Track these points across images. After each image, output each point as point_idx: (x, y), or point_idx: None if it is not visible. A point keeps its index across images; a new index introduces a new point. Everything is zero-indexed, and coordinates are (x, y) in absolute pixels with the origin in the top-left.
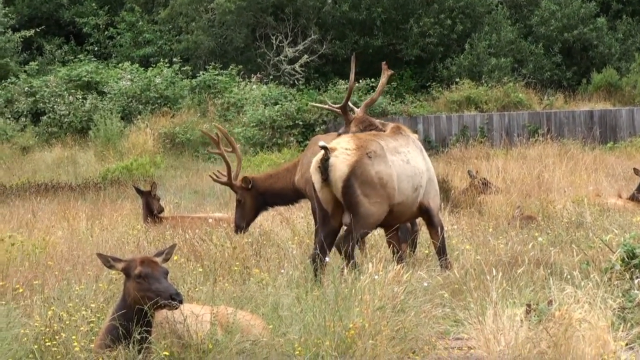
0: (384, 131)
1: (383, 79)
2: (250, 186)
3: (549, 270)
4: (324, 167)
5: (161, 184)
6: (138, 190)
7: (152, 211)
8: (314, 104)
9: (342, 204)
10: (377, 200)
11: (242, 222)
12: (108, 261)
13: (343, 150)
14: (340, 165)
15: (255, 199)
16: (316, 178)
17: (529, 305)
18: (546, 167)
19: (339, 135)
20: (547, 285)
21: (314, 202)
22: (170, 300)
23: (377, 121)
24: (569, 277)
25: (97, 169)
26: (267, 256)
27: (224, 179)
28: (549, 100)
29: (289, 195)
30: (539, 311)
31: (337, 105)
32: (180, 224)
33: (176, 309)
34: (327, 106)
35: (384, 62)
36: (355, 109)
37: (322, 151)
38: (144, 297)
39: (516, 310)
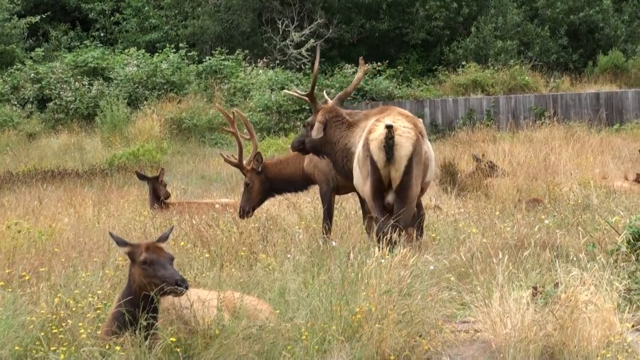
0: (351, 122)
1: (359, 73)
2: (260, 169)
3: (555, 253)
4: (389, 145)
5: (168, 170)
6: (143, 177)
7: (158, 197)
8: (286, 91)
9: (386, 185)
10: (419, 180)
11: (248, 206)
12: (116, 242)
13: (405, 129)
14: (406, 143)
15: (263, 183)
16: (380, 157)
17: (535, 288)
18: (552, 149)
19: (307, 124)
20: (553, 267)
21: (326, 186)
22: (175, 287)
23: (344, 112)
24: (575, 259)
25: (104, 155)
26: (273, 241)
27: (235, 161)
28: (555, 83)
29: (297, 182)
30: (545, 294)
31: (304, 93)
32: (187, 210)
33: (182, 295)
34: (295, 93)
35: (361, 57)
36: (329, 99)
37: (385, 130)
38: (149, 283)
39: (522, 293)
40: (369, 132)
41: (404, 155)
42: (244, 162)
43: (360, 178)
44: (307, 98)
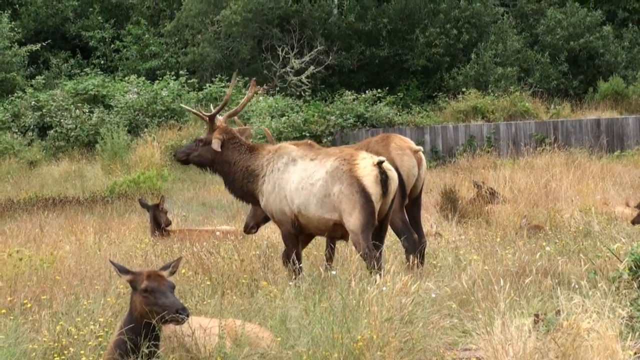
0: (251, 146)
1: (249, 93)
2: None
3: (556, 280)
4: (383, 180)
5: (168, 197)
6: (144, 205)
7: (159, 224)
8: (183, 105)
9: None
10: None
11: (253, 222)
12: (117, 270)
13: (388, 164)
14: (395, 177)
15: None
16: (377, 191)
17: (537, 315)
18: (553, 176)
19: (197, 140)
20: (555, 295)
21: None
22: (176, 315)
23: (236, 130)
24: (576, 286)
25: (105, 182)
26: (274, 268)
27: None
28: (556, 109)
29: None
30: (547, 321)
31: (207, 114)
32: (188, 237)
33: (182, 323)
34: (196, 112)
35: (253, 79)
36: (220, 118)
37: (377, 166)
38: (150, 311)
39: (524, 320)
40: (350, 169)
41: (394, 188)
42: None
43: (333, 211)
44: (207, 118)
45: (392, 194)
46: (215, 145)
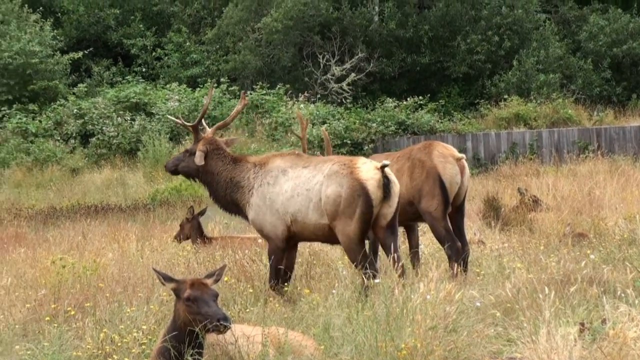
0: (235, 157)
1: (239, 106)
2: None
3: (602, 289)
4: (386, 184)
5: (210, 205)
6: (194, 213)
7: (202, 233)
8: (169, 116)
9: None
10: None
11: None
12: (160, 279)
13: (388, 168)
14: (396, 181)
15: None
16: (378, 195)
17: (582, 324)
18: (597, 183)
19: (186, 151)
20: (600, 303)
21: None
22: (218, 324)
23: (222, 141)
24: (622, 295)
25: (146, 190)
26: (317, 276)
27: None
28: (599, 116)
29: None
30: (592, 330)
31: (189, 123)
32: (229, 245)
33: (224, 332)
34: (180, 122)
35: (243, 91)
36: (207, 128)
37: (380, 170)
38: (193, 319)
39: (569, 329)
40: (351, 172)
41: (397, 191)
42: None
43: (330, 218)
44: (191, 128)
45: (395, 198)
46: (198, 158)
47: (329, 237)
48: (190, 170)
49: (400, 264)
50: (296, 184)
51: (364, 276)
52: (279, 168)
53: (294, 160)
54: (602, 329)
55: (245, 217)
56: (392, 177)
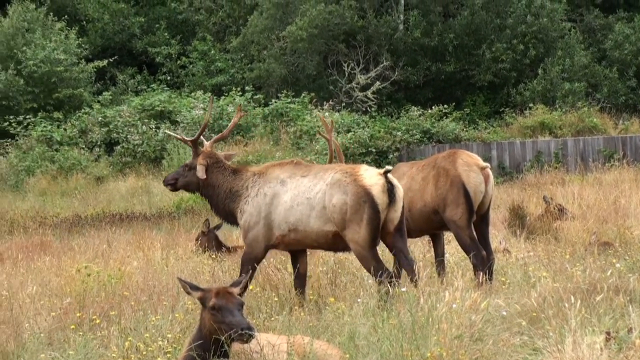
0: (234, 168)
1: (235, 118)
2: None
3: (628, 298)
4: (390, 189)
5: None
6: (208, 226)
7: (220, 244)
8: (167, 131)
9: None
10: None
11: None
12: (186, 287)
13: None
14: (400, 186)
15: None
16: (384, 200)
17: (608, 333)
18: (622, 192)
19: (185, 165)
20: (626, 312)
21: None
22: (242, 333)
23: (221, 154)
24: None
25: (171, 198)
26: (342, 285)
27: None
28: (625, 125)
29: None
30: (619, 339)
31: (189, 138)
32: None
33: (248, 342)
34: (179, 137)
35: (239, 104)
36: (205, 142)
37: (383, 176)
38: (218, 328)
39: (595, 338)
40: (354, 180)
41: (401, 195)
42: None
43: (331, 222)
44: (190, 143)
45: (400, 202)
46: (200, 172)
47: (332, 244)
48: (190, 184)
49: (414, 266)
50: (295, 193)
51: (381, 282)
52: (278, 178)
53: (292, 170)
54: (628, 338)
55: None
56: (395, 181)
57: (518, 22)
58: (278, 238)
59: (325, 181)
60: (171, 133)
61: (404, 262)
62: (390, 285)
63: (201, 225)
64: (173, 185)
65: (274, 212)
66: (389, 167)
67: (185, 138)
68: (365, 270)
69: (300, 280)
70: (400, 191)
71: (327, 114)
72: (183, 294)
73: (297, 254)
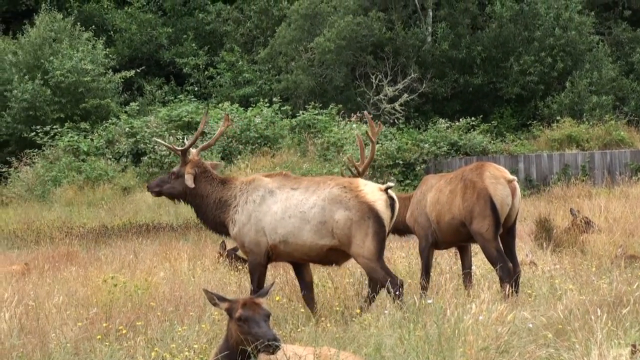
0: (222, 179)
1: (222, 127)
2: None
3: None
4: (392, 205)
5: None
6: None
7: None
8: (156, 139)
9: None
10: None
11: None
12: (213, 299)
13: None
14: (397, 201)
15: None
16: (388, 214)
17: (634, 346)
18: None
19: (172, 173)
20: None
21: (425, 242)
22: (268, 345)
23: (208, 164)
24: None
25: None
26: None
27: (354, 170)
28: None
29: (397, 224)
30: None
31: (179, 148)
32: (281, 264)
33: (274, 354)
34: (169, 145)
35: (226, 113)
36: (193, 151)
37: (385, 192)
38: (245, 339)
39: (621, 350)
40: (356, 196)
41: (397, 211)
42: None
43: (331, 237)
44: (179, 153)
45: (394, 217)
46: (189, 181)
47: (323, 258)
48: (175, 192)
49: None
50: (287, 206)
51: (393, 288)
52: (266, 188)
53: (281, 181)
54: None
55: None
56: (395, 196)
57: (546, 35)
58: (271, 246)
59: (320, 196)
60: (160, 141)
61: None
62: (402, 292)
63: (218, 247)
64: (157, 191)
65: (263, 220)
66: (390, 184)
67: (175, 147)
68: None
69: (308, 290)
70: (397, 206)
71: (354, 125)
72: (209, 305)
73: (300, 265)
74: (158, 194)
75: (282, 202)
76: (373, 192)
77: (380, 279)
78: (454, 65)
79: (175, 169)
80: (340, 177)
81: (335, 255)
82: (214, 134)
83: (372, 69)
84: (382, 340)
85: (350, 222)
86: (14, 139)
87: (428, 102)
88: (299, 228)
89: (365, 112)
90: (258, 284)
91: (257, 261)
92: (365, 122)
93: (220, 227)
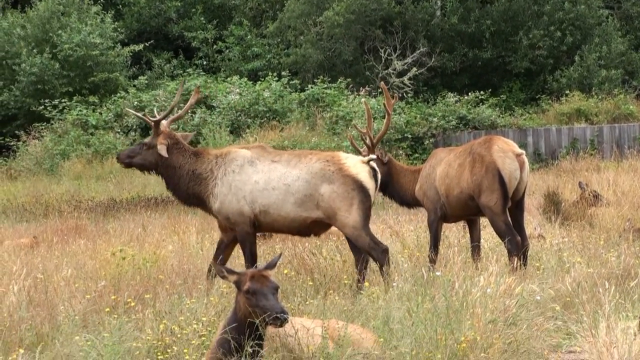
0: (195, 151)
1: (192, 100)
2: (386, 161)
3: None
4: (375, 176)
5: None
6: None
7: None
8: (128, 109)
9: None
10: None
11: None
12: (222, 272)
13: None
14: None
15: (383, 175)
16: (372, 185)
17: None
18: None
19: (142, 143)
20: None
21: (434, 215)
22: (276, 317)
23: (179, 135)
24: None
25: None
26: (376, 269)
27: (366, 137)
28: None
29: (406, 197)
30: None
31: (153, 119)
32: (290, 238)
33: (281, 326)
34: (142, 116)
35: (197, 86)
36: (164, 123)
37: (367, 164)
38: (253, 312)
39: (629, 323)
40: (339, 169)
41: (378, 182)
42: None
43: (316, 210)
44: (152, 123)
45: (377, 188)
46: (162, 151)
47: (304, 229)
48: (146, 163)
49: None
50: (270, 177)
51: (379, 254)
52: (245, 157)
53: (260, 153)
54: None
55: (206, 209)
56: (376, 167)
57: (555, 9)
58: (254, 216)
59: (304, 169)
60: (132, 112)
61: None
62: (388, 258)
63: None
64: (127, 162)
65: (243, 189)
66: (372, 156)
67: (149, 118)
68: (400, 255)
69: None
70: (379, 177)
71: (363, 99)
72: (217, 278)
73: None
74: (128, 165)
75: (265, 173)
76: (355, 164)
77: (366, 246)
78: (463, 39)
79: (146, 140)
80: (320, 152)
81: (316, 227)
82: (221, 107)
83: (381, 43)
84: (390, 313)
85: (334, 194)
86: (23, 113)
87: (437, 76)
88: (283, 200)
89: (382, 84)
90: (251, 255)
91: (245, 230)
92: (374, 97)
93: (192, 198)
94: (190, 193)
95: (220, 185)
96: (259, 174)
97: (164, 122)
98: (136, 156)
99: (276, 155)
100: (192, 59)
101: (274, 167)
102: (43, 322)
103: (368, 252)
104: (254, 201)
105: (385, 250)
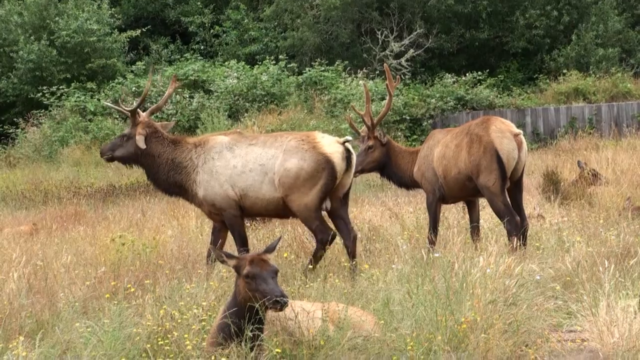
0: (174, 139)
1: (170, 89)
2: (385, 142)
3: None
4: (348, 157)
5: None
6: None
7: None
8: (105, 102)
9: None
10: None
11: (360, 167)
12: (221, 256)
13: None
14: (354, 154)
15: (382, 156)
16: (342, 166)
17: None
18: None
19: (123, 135)
20: None
21: (432, 196)
22: (275, 301)
23: (158, 124)
24: None
25: None
26: (376, 252)
27: (366, 118)
28: None
29: (405, 178)
30: None
31: (128, 108)
32: (289, 221)
33: (281, 310)
34: (118, 107)
35: (174, 75)
36: (142, 113)
37: (343, 145)
38: (252, 296)
39: (629, 301)
40: (313, 147)
41: (354, 163)
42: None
43: (292, 192)
44: (129, 113)
45: (353, 168)
46: (140, 141)
47: (280, 211)
48: (128, 154)
49: (353, 235)
50: (247, 160)
51: (322, 236)
52: (223, 144)
53: (237, 138)
54: None
55: (188, 198)
56: (351, 149)
57: None
58: (237, 200)
59: (278, 149)
60: (108, 104)
61: (343, 229)
62: (330, 244)
63: None
64: (110, 157)
65: (224, 173)
66: (348, 137)
67: (124, 108)
68: (399, 236)
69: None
70: (354, 158)
71: (361, 82)
72: (217, 262)
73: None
74: (110, 159)
75: (242, 157)
76: (330, 144)
77: (314, 229)
78: (459, 20)
79: (125, 131)
80: (297, 132)
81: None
82: (219, 92)
83: (377, 25)
84: (390, 294)
85: (302, 171)
86: (21, 100)
87: (434, 58)
88: (260, 181)
89: (385, 65)
90: (240, 239)
91: (232, 214)
92: (372, 79)
93: (173, 187)
94: (170, 182)
95: (202, 173)
96: (236, 158)
97: (141, 111)
98: (117, 149)
99: (253, 139)
100: (189, 44)
101: (251, 150)
102: (43, 309)
103: (314, 234)
104: (234, 185)
105: (332, 238)
